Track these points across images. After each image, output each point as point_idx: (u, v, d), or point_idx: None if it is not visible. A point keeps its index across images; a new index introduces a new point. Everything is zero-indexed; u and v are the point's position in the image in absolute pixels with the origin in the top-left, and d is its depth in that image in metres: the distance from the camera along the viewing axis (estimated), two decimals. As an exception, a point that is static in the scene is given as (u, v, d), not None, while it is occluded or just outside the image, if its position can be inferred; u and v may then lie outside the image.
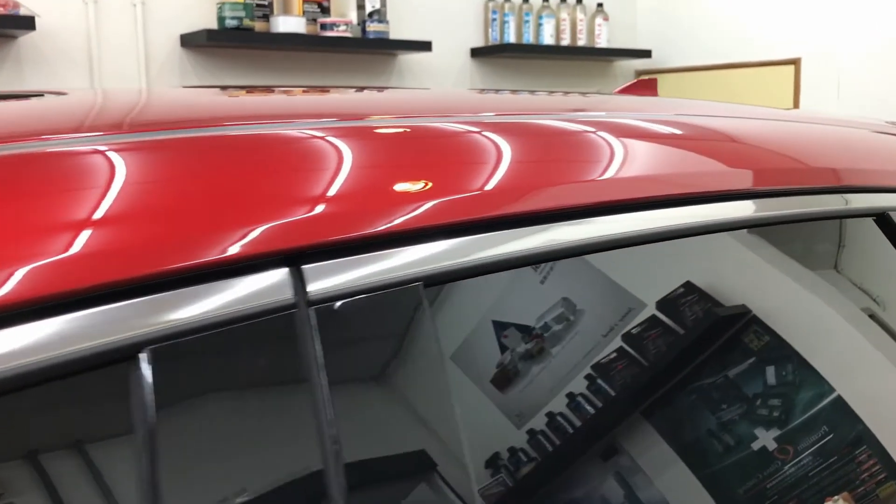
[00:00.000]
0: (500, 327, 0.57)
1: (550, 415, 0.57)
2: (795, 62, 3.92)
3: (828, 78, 3.83)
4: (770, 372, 0.70)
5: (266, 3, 3.22)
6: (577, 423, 0.58)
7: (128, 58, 3.06)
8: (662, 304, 0.66)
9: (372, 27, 3.42)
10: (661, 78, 4.57)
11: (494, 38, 4.00)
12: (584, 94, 1.32)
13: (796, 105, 3.91)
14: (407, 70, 3.81)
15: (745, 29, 4.11)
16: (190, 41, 3.11)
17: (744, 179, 0.78)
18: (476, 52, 4.00)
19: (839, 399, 0.72)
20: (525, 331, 0.58)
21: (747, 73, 4.10)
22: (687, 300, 0.67)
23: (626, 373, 0.62)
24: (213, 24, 3.13)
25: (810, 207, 0.81)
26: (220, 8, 3.09)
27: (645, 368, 0.64)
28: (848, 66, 3.75)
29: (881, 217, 0.86)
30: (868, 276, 0.86)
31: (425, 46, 3.60)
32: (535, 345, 0.58)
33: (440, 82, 3.88)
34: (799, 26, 3.89)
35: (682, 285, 0.68)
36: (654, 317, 0.65)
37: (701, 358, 0.66)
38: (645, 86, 1.87)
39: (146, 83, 3.10)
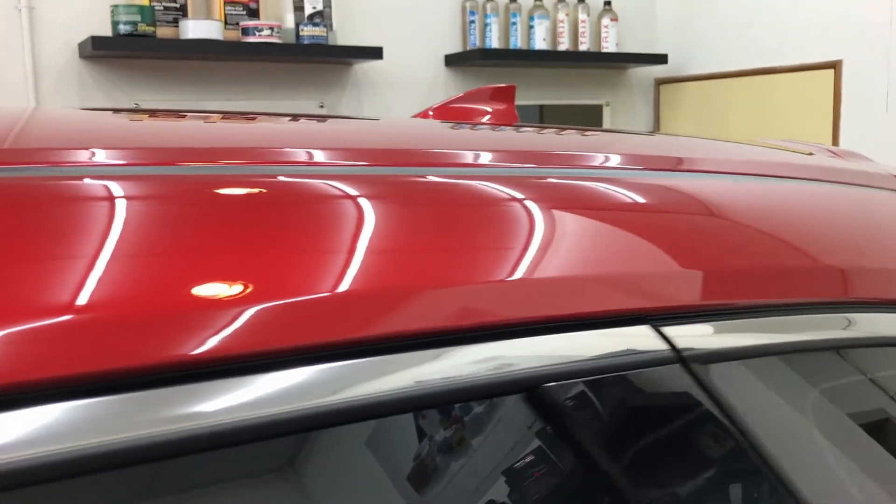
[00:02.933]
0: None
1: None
2: (835, 66, 3.20)
3: (874, 85, 3.10)
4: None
5: (178, 5, 2.79)
6: None
7: (12, 70, 2.68)
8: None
9: (306, 31, 2.94)
10: (682, 87, 3.93)
11: (473, 42, 3.45)
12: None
13: (836, 118, 3.19)
14: (365, 82, 3.30)
15: (775, 28, 3.41)
16: (86, 50, 2.70)
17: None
18: (451, 60, 3.46)
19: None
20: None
21: (778, 80, 3.40)
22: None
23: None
24: (106, 31, 2.71)
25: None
26: (113, 11, 2.67)
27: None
28: (899, 69, 3.02)
29: None
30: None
31: (374, 53, 3.09)
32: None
33: (406, 96, 3.35)
34: (839, 22, 3.18)
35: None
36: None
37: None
38: (493, 95, 1.30)
39: (35, 99, 2.71)
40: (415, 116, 1.26)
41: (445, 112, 1.28)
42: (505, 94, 1.29)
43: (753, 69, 3.50)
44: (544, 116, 3.73)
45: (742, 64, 3.54)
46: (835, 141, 3.22)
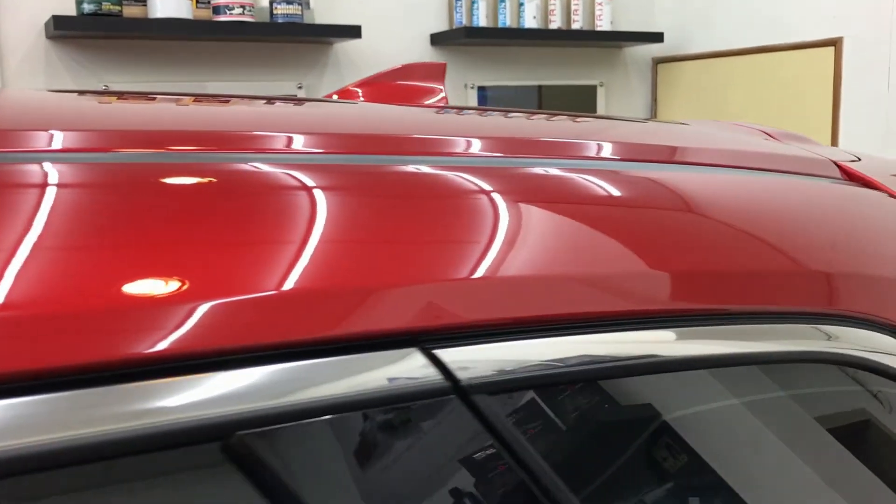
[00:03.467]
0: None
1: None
2: (836, 43, 3.05)
3: (875, 62, 2.95)
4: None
5: (146, -18, 2.70)
6: None
7: (-25, 51, 2.60)
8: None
9: (280, 9, 2.84)
10: (680, 67, 3.78)
11: (459, 21, 3.33)
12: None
13: (836, 97, 3.05)
14: (346, 62, 3.20)
15: (774, 5, 3.27)
16: (51, 30, 2.62)
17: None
18: (437, 39, 3.35)
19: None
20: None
21: (778, 59, 3.26)
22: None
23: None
24: (72, 10, 2.63)
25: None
26: (76, -11, 2.59)
27: None
28: (902, 45, 2.88)
29: None
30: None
31: (352, 32, 2.98)
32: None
33: (390, 75, 3.25)
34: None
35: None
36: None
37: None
38: (423, 73, 1.20)
39: (1, 82, 2.64)
40: (337, 93, 1.16)
41: (372, 89, 1.18)
42: (435, 72, 1.19)
43: (753, 47, 3.36)
44: (540, 98, 3.61)
45: (741, 42, 3.40)
46: (835, 120, 3.08)
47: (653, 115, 3.85)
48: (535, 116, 0.92)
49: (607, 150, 0.69)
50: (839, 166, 0.80)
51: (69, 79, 2.75)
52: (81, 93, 0.88)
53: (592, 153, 0.67)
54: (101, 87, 2.72)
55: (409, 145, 0.59)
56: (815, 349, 0.57)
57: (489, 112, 0.91)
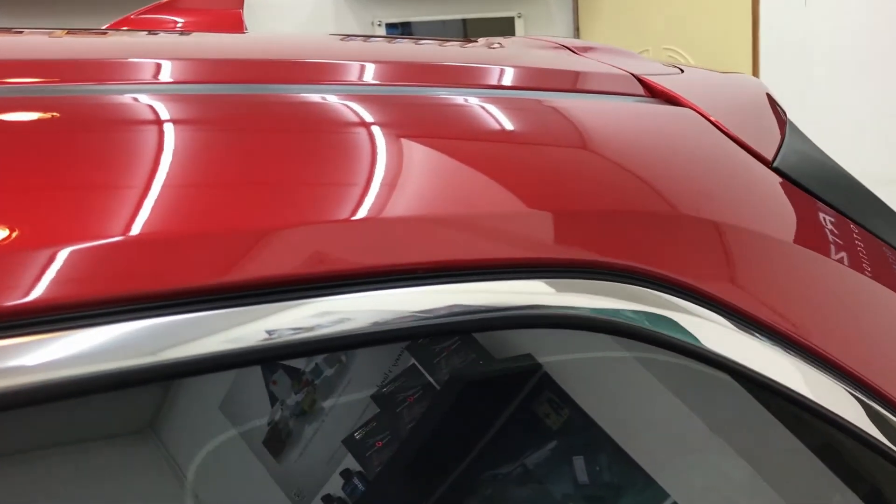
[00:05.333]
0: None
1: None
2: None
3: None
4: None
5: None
6: None
7: None
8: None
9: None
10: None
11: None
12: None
13: (755, 16, 2.92)
14: None
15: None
16: None
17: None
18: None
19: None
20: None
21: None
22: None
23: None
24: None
25: None
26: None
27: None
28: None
29: None
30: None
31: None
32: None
33: (288, 16, 3.05)
34: None
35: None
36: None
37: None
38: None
39: None
40: (117, 23, 1.00)
41: (164, 10, 1.03)
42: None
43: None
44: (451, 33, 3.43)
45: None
46: (755, 39, 2.96)
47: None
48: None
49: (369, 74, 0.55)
50: (642, 81, 0.67)
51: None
52: None
53: (354, 77, 0.54)
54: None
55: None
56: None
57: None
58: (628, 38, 3.43)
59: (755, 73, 2.99)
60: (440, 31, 3.38)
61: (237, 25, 1.00)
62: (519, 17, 3.58)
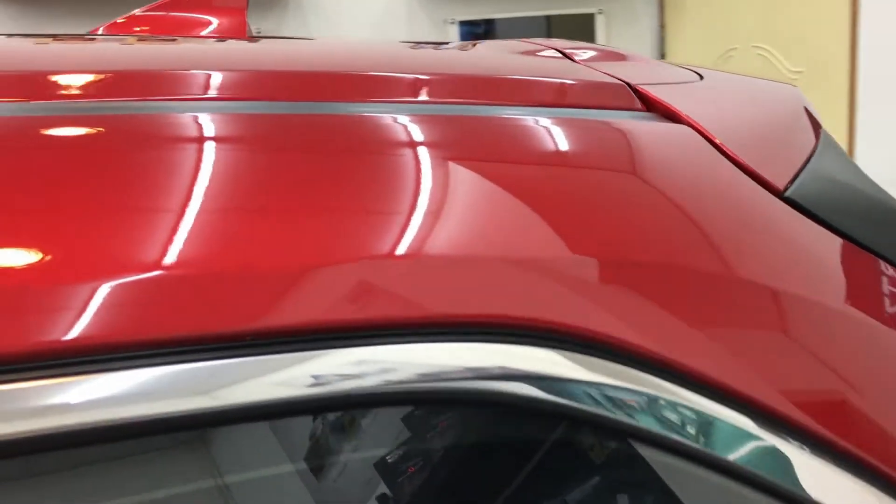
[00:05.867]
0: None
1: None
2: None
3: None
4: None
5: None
6: None
7: None
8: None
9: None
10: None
11: (433, -48, 3.05)
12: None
13: (854, 13, 2.69)
14: (309, 4, 2.96)
15: None
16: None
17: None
18: (409, -27, 3.08)
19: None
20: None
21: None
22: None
23: None
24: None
25: None
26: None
27: None
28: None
29: None
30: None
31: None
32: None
33: (361, 20, 3.00)
34: None
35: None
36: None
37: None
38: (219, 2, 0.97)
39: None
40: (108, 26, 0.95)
41: (156, 16, 0.97)
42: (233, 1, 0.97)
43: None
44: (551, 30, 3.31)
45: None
46: (854, 36, 2.72)
47: (661, 45, 3.51)
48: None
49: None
50: (638, 91, 0.56)
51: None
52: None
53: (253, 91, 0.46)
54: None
55: None
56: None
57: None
58: (715, 36, 3.24)
59: (853, 72, 2.76)
60: (524, 28, 3.27)
61: (240, 27, 0.93)
62: (600, 13, 3.42)
